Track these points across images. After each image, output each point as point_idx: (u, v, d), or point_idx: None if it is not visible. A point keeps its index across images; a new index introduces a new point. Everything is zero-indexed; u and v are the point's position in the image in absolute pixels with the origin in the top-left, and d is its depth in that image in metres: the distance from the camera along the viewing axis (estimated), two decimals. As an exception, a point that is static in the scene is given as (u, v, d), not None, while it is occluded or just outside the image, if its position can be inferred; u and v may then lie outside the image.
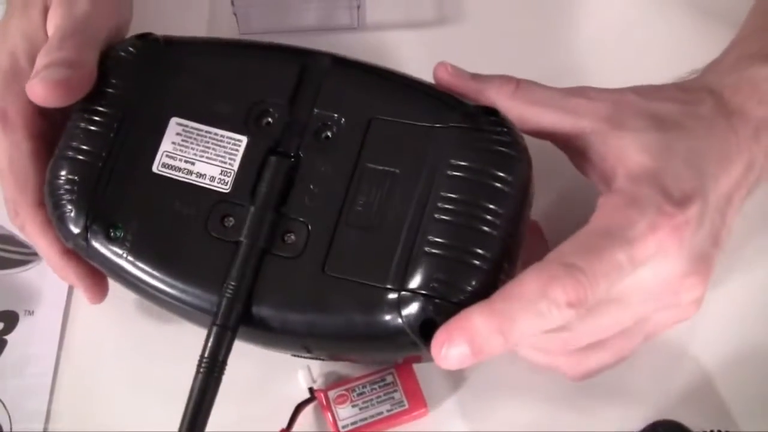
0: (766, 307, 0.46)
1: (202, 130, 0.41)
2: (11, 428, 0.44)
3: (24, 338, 0.47)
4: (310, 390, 0.43)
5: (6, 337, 0.47)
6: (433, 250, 0.37)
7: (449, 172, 0.38)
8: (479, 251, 0.37)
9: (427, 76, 0.42)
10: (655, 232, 0.36)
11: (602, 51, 0.52)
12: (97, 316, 0.47)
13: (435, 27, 0.53)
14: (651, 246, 0.36)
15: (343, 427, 0.42)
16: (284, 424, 0.43)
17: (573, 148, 0.41)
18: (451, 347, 0.35)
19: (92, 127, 0.41)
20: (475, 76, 0.42)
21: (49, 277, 0.47)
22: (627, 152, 0.39)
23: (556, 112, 0.41)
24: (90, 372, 0.46)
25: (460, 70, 0.42)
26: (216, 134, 0.41)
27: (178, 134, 0.41)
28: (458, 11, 0.54)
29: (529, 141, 0.41)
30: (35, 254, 0.48)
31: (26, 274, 0.48)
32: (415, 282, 0.37)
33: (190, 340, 0.42)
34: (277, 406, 0.43)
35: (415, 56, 0.51)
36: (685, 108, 0.41)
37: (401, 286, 0.37)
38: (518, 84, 0.41)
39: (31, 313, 0.47)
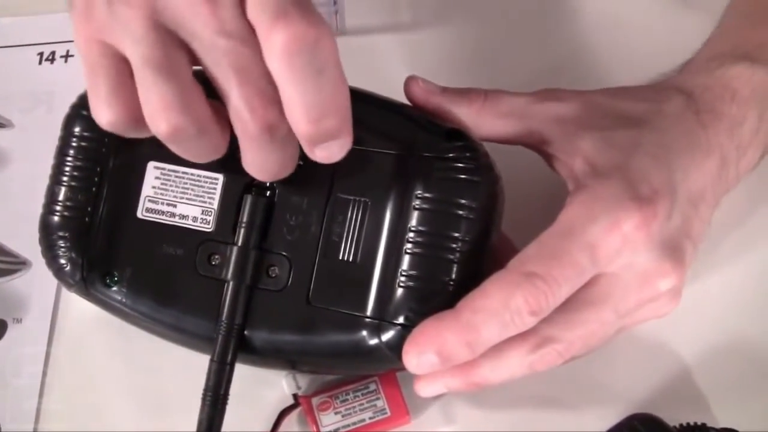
0: (743, 302, 0.46)
1: (179, 172, 0.42)
2: (1, 439, 0.45)
3: (13, 346, 0.47)
4: (294, 396, 0.44)
5: (-5, 345, 0.47)
6: (407, 283, 0.39)
7: (416, 204, 0.39)
8: (449, 279, 0.39)
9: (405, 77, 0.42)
10: (618, 227, 0.36)
11: (586, 50, 0.52)
12: (84, 324, 0.47)
13: (413, 30, 0.54)
14: (615, 241, 0.37)
15: (326, 433, 0.43)
16: (268, 430, 0.43)
17: (543, 151, 0.42)
18: (421, 357, 0.37)
19: (73, 183, 0.42)
20: (445, 91, 0.42)
21: (36, 286, 0.48)
22: (593, 150, 0.39)
23: (525, 120, 0.41)
24: (77, 381, 0.46)
25: (431, 85, 0.42)
26: (193, 174, 0.41)
27: (157, 178, 0.42)
28: (436, 14, 0.54)
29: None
30: (23, 263, 0.49)
31: (14, 283, 0.49)
32: (392, 312, 0.39)
33: (177, 346, 0.43)
34: (260, 412, 0.44)
35: (394, 59, 0.52)
36: (653, 106, 0.41)
37: (380, 316, 0.39)
38: (486, 96, 0.41)
39: (19, 321, 0.48)
